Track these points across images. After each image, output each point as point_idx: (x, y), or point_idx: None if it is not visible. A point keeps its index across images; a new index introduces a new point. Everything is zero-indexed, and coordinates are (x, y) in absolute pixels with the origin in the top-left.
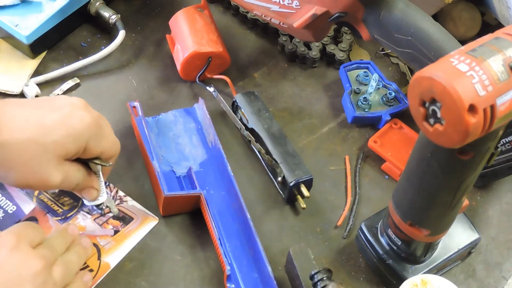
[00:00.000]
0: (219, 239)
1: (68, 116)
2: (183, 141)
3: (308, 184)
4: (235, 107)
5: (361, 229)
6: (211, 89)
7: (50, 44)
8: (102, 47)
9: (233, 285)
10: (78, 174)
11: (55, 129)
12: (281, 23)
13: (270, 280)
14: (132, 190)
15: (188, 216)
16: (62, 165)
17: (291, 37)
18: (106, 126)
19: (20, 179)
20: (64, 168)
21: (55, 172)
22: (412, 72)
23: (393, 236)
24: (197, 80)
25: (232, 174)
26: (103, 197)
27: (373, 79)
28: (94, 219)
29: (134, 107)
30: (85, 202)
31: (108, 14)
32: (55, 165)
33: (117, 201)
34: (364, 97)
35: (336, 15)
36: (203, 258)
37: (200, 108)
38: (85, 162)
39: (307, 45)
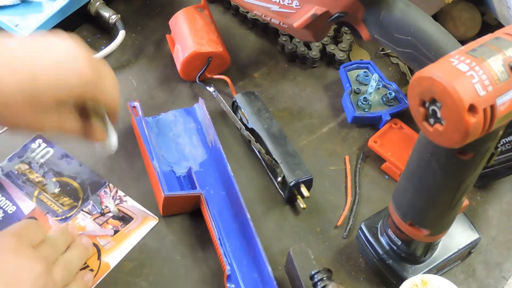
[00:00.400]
0: (219, 239)
1: (63, 65)
2: (183, 141)
3: (308, 184)
4: (235, 107)
5: (361, 229)
6: (211, 89)
7: None
8: (102, 47)
9: (233, 285)
10: (71, 122)
11: (48, 78)
12: (281, 23)
13: (270, 280)
14: (132, 190)
15: (188, 216)
16: (55, 112)
17: (291, 37)
18: (107, 78)
19: (10, 123)
20: (56, 116)
21: (46, 119)
22: (412, 72)
23: (393, 236)
24: (197, 80)
25: (232, 174)
26: (113, 139)
27: (373, 79)
28: (94, 219)
29: (134, 107)
30: (98, 149)
31: (108, 14)
32: (46, 112)
33: (117, 201)
34: (364, 97)
35: (336, 15)
36: (203, 258)
37: (200, 108)
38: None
39: (307, 45)
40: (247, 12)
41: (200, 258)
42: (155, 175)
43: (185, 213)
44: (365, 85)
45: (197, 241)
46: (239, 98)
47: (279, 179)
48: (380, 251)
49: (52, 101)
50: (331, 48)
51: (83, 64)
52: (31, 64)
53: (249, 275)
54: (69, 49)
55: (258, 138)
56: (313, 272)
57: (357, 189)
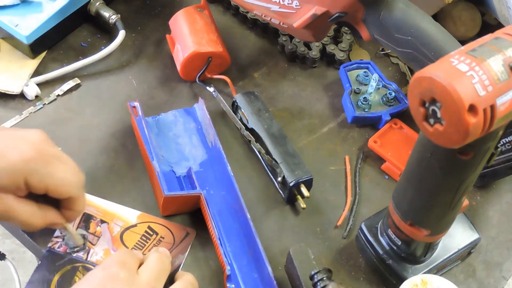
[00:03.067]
0: (219, 239)
1: (6, 149)
2: (183, 141)
3: (308, 184)
4: (235, 107)
5: (361, 229)
6: (211, 89)
7: (50, 44)
8: (102, 47)
9: (233, 285)
10: (23, 209)
11: None
12: (281, 23)
13: (270, 280)
14: (132, 190)
15: (188, 216)
16: (1, 197)
17: (291, 37)
18: (58, 162)
19: None
20: (3, 201)
21: None
22: (412, 72)
23: (393, 236)
24: (197, 80)
25: (232, 174)
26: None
27: (373, 79)
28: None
29: (134, 107)
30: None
31: (108, 14)
32: None
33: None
34: (364, 97)
35: (336, 15)
36: (203, 258)
37: (200, 108)
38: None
39: (307, 45)
40: (247, 12)
41: (200, 258)
42: (155, 175)
43: (185, 213)
44: (365, 85)
45: (197, 241)
46: (239, 98)
47: (279, 179)
48: (380, 251)
49: None
50: (331, 48)
51: (26, 144)
52: None
53: (249, 275)
54: (25, 136)
55: (258, 138)
56: (313, 272)
57: (357, 189)
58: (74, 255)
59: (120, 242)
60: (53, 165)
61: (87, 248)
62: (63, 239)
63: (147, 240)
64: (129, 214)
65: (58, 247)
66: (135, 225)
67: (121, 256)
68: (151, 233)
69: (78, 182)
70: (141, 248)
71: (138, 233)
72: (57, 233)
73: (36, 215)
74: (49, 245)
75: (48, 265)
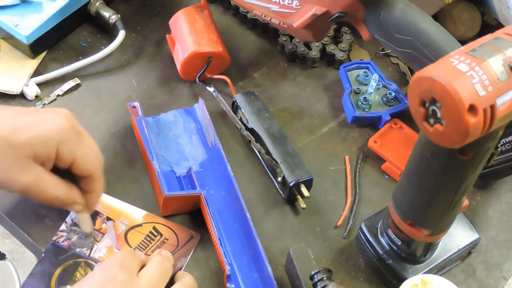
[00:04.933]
0: (219, 239)
1: (42, 119)
2: (183, 141)
3: (308, 184)
4: (235, 107)
5: (361, 229)
6: (211, 89)
7: (50, 44)
8: (102, 47)
9: (233, 285)
10: (51, 182)
11: (26, 130)
12: (281, 23)
13: (270, 280)
14: (132, 190)
15: (188, 216)
16: (33, 167)
17: (291, 37)
18: (86, 138)
19: None
20: (34, 171)
21: (22, 172)
22: (412, 72)
23: (393, 236)
24: (197, 80)
25: (232, 174)
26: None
27: (373, 79)
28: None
29: (134, 107)
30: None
31: (108, 14)
32: (23, 165)
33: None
34: (364, 97)
35: (336, 15)
36: (203, 258)
37: (200, 108)
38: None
39: (307, 45)
40: (247, 12)
41: (200, 258)
42: (155, 175)
43: (185, 213)
44: (365, 85)
45: (197, 241)
46: (239, 98)
47: (279, 179)
48: (380, 251)
49: (29, 151)
50: (331, 48)
51: (60, 117)
52: (16, 120)
53: (249, 275)
54: (55, 110)
55: (258, 138)
56: (313, 272)
57: (357, 189)
58: (78, 250)
59: (124, 241)
60: (83, 138)
61: (91, 244)
62: (69, 232)
63: (151, 241)
64: (136, 213)
65: (63, 241)
66: (140, 225)
67: (122, 258)
68: (156, 234)
69: (101, 161)
70: (144, 248)
71: (143, 233)
72: (62, 227)
73: (62, 189)
74: (54, 238)
75: (51, 258)
